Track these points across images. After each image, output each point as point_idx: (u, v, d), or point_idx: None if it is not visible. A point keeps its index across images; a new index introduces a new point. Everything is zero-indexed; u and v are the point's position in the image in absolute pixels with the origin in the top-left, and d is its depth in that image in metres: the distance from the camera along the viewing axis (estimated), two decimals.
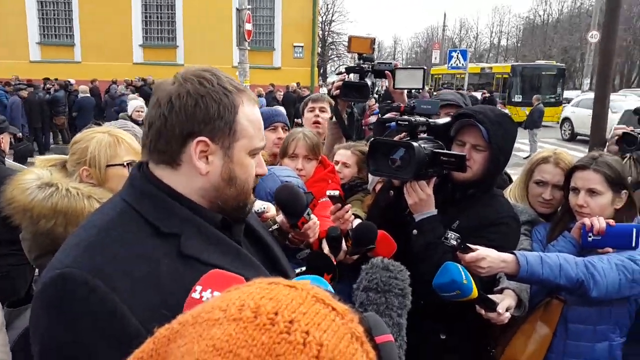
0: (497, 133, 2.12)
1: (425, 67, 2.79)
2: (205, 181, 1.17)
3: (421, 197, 2.11)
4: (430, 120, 2.21)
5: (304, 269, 1.65)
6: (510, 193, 2.57)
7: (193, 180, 1.17)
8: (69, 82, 17.49)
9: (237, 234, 1.26)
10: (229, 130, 1.14)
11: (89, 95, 14.86)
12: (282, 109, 3.27)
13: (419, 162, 1.99)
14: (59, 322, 0.98)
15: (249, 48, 12.67)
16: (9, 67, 19.76)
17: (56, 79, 17.83)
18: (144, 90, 16.32)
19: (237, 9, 12.21)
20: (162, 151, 1.15)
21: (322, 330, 0.57)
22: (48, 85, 16.88)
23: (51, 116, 14.69)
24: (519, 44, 57.92)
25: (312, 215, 1.82)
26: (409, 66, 2.77)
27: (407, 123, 2.14)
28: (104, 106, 15.98)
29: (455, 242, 1.85)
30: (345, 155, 2.95)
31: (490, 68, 30.11)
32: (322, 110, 3.42)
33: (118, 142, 1.98)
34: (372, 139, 2.24)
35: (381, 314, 1.24)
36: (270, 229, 1.67)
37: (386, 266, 1.33)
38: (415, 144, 2.00)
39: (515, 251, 1.98)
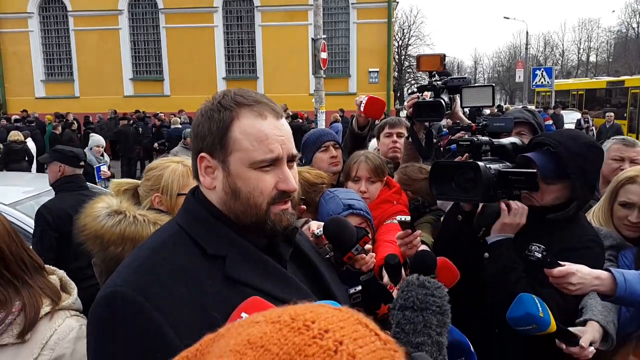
0: (576, 164, 1.96)
1: (494, 84, 2.65)
2: (215, 196, 1.21)
3: (516, 221, 2.00)
4: (494, 140, 2.10)
5: (358, 288, 1.60)
6: (594, 216, 2.38)
7: (210, 195, 1.22)
8: (144, 113, 19.03)
9: (283, 258, 1.26)
10: (219, 145, 1.16)
11: (179, 126, 15.83)
12: (331, 130, 3.23)
13: (487, 182, 1.88)
14: (107, 338, 1.03)
15: (324, 76, 12.91)
16: (106, 102, 21.58)
17: (137, 111, 19.32)
18: None
19: (313, 39, 12.53)
20: (194, 171, 1.24)
21: (358, 345, 0.56)
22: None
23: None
24: (610, 60, 54.58)
25: (366, 248, 1.77)
26: (477, 84, 2.60)
27: (468, 143, 2.04)
28: None
29: (540, 255, 1.68)
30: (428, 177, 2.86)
31: (622, 82, 25.37)
32: (399, 135, 3.33)
33: (190, 172, 2.06)
34: (435, 161, 2.16)
35: (419, 332, 1.18)
36: (327, 256, 1.64)
37: (422, 283, 1.26)
38: (480, 163, 1.90)
39: (610, 268, 1.80)
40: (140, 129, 16.59)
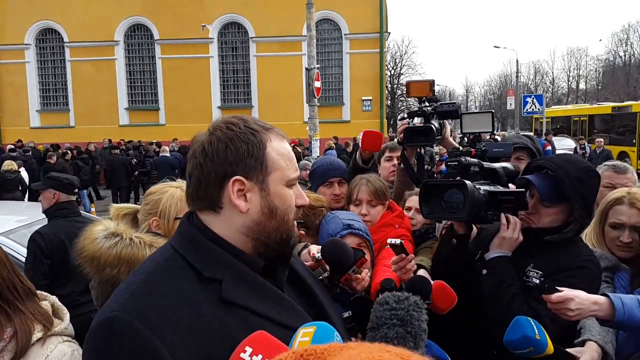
0: (576, 188, 1.99)
1: (493, 110, 2.66)
2: (246, 218, 1.19)
3: (514, 237, 2.02)
4: (483, 162, 2.13)
5: (349, 313, 1.60)
6: (586, 239, 2.38)
7: (235, 220, 1.20)
8: (140, 142, 19.18)
9: (280, 280, 1.26)
10: (260, 166, 1.18)
11: (167, 154, 15.83)
12: (341, 163, 3.15)
13: (474, 202, 1.90)
14: None
15: (318, 104, 13.06)
16: (102, 132, 21.65)
17: (130, 141, 19.48)
18: None
19: (307, 69, 12.71)
20: (202, 198, 1.20)
21: None
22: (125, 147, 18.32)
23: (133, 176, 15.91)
24: (599, 87, 55.51)
25: (362, 269, 1.77)
26: (476, 110, 2.60)
27: (456, 163, 2.07)
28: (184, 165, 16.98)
29: (538, 281, 1.70)
30: (417, 201, 2.85)
31: (629, 107, 23.44)
32: (399, 158, 3.37)
33: None
34: (424, 181, 2.18)
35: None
36: (320, 277, 1.64)
37: (384, 300, 1.31)
38: (468, 182, 1.92)
39: (607, 293, 1.80)
40: (134, 159, 16.60)
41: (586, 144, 19.83)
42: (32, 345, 1.56)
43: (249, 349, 0.88)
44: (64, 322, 1.70)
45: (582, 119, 26.38)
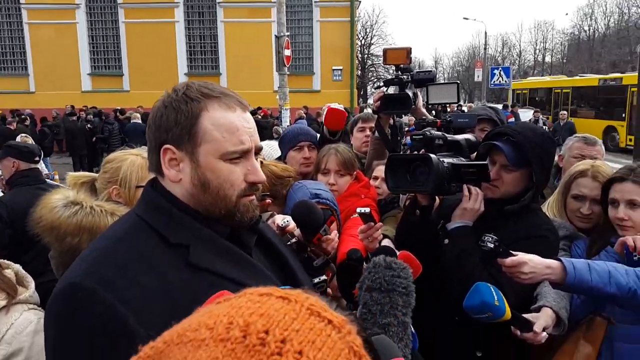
0: (535, 153, 2.05)
1: (459, 82, 2.69)
2: (181, 188, 1.18)
3: (475, 207, 2.06)
4: (447, 135, 2.16)
5: (323, 277, 1.63)
6: (548, 208, 2.47)
7: (173, 188, 1.19)
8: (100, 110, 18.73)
9: (248, 245, 1.25)
10: (188, 136, 1.14)
11: (139, 121, 15.45)
12: (311, 130, 3.13)
13: (439, 175, 1.94)
14: (66, 331, 1.00)
15: (288, 73, 12.89)
16: (64, 98, 20.91)
17: (93, 107, 18.94)
18: None
19: (276, 36, 12.48)
20: (151, 163, 1.20)
21: (317, 348, 0.53)
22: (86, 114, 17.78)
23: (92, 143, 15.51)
24: (564, 60, 56.55)
25: (331, 231, 1.79)
26: (442, 81, 2.63)
27: (421, 137, 2.09)
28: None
29: (492, 245, 1.74)
30: (384, 171, 2.88)
31: (620, 79, 21.48)
32: (372, 129, 3.31)
33: None
34: (389, 155, 2.20)
35: (386, 313, 1.20)
36: (289, 242, 1.66)
37: (389, 265, 1.29)
38: (432, 155, 1.95)
39: (560, 257, 1.88)
40: (91, 126, 16.12)
41: (540, 117, 19.02)
42: None
43: None
44: (29, 290, 1.68)
45: (564, 91, 24.94)
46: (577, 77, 26.87)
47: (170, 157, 1.16)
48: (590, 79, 24.73)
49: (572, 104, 24.43)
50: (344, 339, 0.56)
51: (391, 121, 2.82)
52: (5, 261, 1.74)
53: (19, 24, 22.88)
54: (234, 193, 1.19)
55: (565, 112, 18.27)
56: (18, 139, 7.36)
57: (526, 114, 21.14)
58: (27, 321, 1.58)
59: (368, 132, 3.37)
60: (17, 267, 1.74)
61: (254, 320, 0.54)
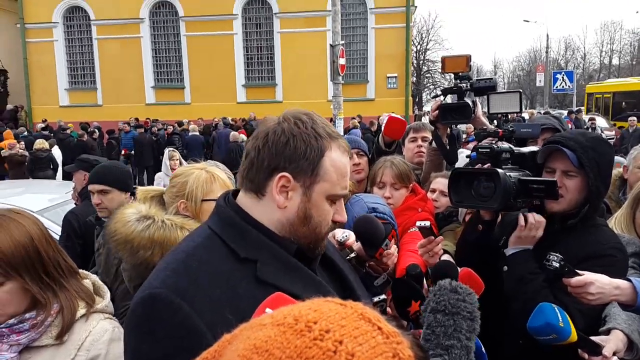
0: (589, 156, 1.96)
1: (521, 90, 2.59)
2: (281, 215, 1.23)
3: (531, 235, 1.99)
4: (514, 148, 2.10)
5: (383, 297, 1.62)
6: (616, 222, 2.36)
7: (272, 211, 1.23)
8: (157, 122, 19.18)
9: (313, 262, 1.30)
10: (311, 172, 1.20)
11: (197, 133, 15.96)
12: (359, 139, 3.17)
13: (506, 191, 1.88)
14: (145, 339, 1.07)
15: (342, 82, 12.94)
16: (129, 111, 21.96)
17: (155, 120, 19.69)
18: (250, 125, 17.76)
19: (331, 45, 12.57)
20: (251, 180, 1.24)
21: (358, 342, 0.58)
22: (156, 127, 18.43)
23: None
24: (634, 62, 53.56)
25: (392, 245, 1.79)
26: (504, 90, 2.53)
27: (488, 150, 2.04)
28: (211, 142, 17.10)
29: (558, 265, 1.68)
30: (442, 184, 2.80)
31: None
32: (424, 139, 3.31)
33: (214, 179, 2.13)
34: (454, 168, 2.16)
35: (449, 336, 1.21)
36: (348, 257, 1.67)
37: (454, 288, 1.28)
38: (500, 170, 1.90)
39: (630, 277, 1.79)
40: (154, 137, 16.69)
41: (596, 124, 18.04)
42: (76, 321, 1.62)
43: (268, 311, 0.91)
44: (105, 300, 1.76)
45: None
46: None
47: (283, 184, 1.21)
48: None
49: (576, 110, 22.71)
50: (390, 345, 0.60)
51: (448, 130, 2.78)
52: (84, 271, 1.84)
53: (89, 40, 24.27)
54: (325, 230, 1.27)
55: (634, 118, 17.08)
56: (166, 152, 7.25)
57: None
58: (103, 330, 1.65)
59: (420, 142, 3.34)
60: (94, 277, 1.84)
61: (307, 313, 0.63)
